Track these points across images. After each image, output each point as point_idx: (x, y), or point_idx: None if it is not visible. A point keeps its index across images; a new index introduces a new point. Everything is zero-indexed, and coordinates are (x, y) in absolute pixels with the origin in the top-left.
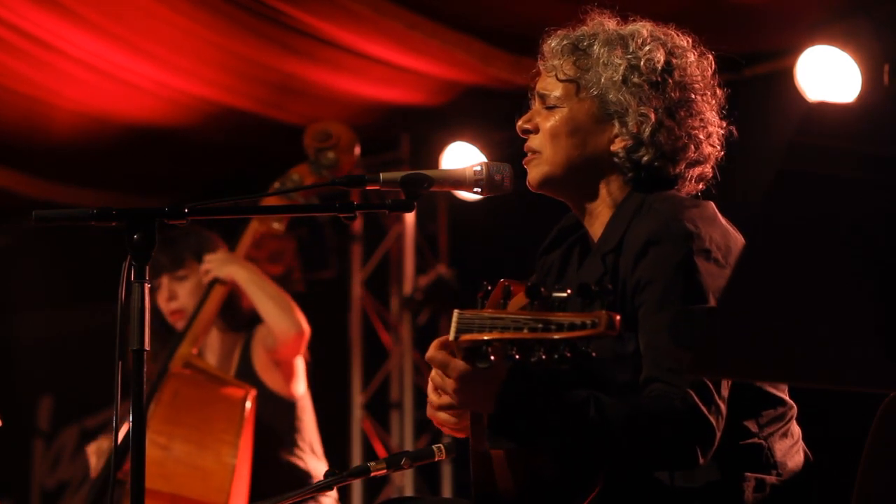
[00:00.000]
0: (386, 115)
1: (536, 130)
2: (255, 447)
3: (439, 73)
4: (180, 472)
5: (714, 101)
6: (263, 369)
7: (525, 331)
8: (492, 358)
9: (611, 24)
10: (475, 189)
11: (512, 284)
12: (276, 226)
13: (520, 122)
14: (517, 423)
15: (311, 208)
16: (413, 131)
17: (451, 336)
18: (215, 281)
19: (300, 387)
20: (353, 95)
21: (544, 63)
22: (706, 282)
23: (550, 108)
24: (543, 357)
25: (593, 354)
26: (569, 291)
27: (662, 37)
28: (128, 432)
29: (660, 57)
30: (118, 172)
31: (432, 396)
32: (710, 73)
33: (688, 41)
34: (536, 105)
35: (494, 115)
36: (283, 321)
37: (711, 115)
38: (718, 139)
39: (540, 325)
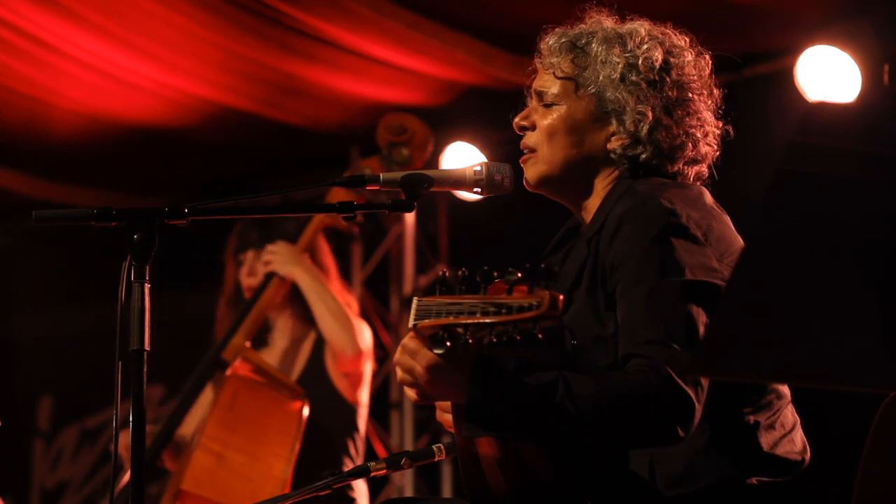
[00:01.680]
0: (386, 115)
1: (533, 127)
2: (312, 449)
3: (439, 73)
4: (231, 483)
5: (711, 101)
6: (334, 371)
7: (478, 314)
8: (447, 344)
9: (609, 22)
10: (475, 189)
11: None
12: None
13: (517, 119)
14: (488, 412)
15: (312, 208)
16: None
17: (410, 323)
18: (273, 274)
19: (364, 394)
20: (353, 95)
21: (541, 61)
22: (682, 257)
23: (548, 106)
24: (494, 340)
25: (539, 336)
26: (519, 274)
27: (660, 36)
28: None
29: (658, 56)
30: (118, 172)
31: (408, 392)
32: (707, 72)
33: (685, 40)
34: (533, 102)
35: (494, 115)
36: (341, 339)
37: (708, 115)
38: (715, 139)
39: (492, 309)
